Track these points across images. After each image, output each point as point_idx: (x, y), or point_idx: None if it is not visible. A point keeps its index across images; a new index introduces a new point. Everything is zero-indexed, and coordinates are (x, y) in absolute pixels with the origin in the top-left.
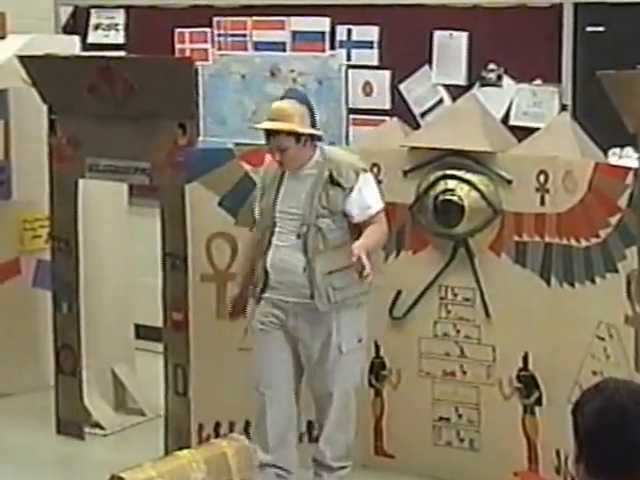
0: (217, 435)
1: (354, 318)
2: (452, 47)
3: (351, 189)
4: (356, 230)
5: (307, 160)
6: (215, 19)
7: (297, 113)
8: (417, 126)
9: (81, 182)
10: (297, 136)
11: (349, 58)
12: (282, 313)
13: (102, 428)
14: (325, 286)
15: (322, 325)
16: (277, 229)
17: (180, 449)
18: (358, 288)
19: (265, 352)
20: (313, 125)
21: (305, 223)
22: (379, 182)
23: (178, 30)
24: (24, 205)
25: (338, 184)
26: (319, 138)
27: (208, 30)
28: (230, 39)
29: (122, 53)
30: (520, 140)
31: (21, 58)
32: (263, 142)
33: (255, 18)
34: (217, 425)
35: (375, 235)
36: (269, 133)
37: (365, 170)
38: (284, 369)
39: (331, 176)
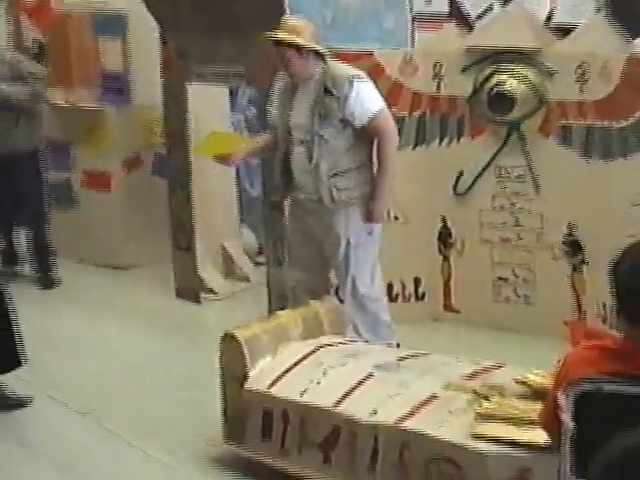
0: None
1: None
2: None
3: (346, 97)
4: (363, 134)
5: (312, 74)
6: None
7: (301, 29)
8: (471, 28)
9: (189, 88)
10: (298, 49)
11: None
12: (303, 211)
13: (215, 293)
14: (329, 186)
15: (333, 221)
16: (292, 138)
17: (281, 309)
18: (366, 189)
19: (294, 250)
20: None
21: (309, 132)
22: (440, 78)
23: None
24: (142, 108)
25: (332, 94)
26: (323, 57)
27: None
28: None
29: None
30: (562, 37)
31: None
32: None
33: None
34: None
35: (385, 178)
36: (277, 44)
37: (360, 77)
38: (310, 261)
39: (326, 87)
